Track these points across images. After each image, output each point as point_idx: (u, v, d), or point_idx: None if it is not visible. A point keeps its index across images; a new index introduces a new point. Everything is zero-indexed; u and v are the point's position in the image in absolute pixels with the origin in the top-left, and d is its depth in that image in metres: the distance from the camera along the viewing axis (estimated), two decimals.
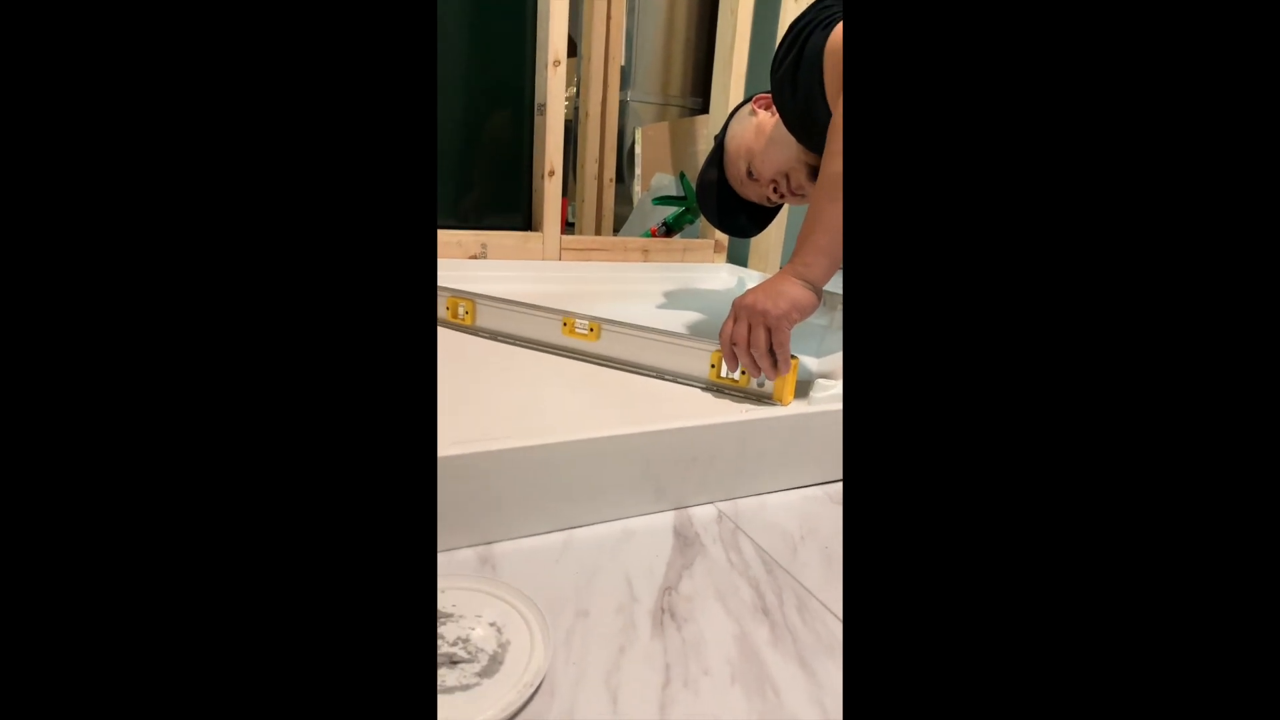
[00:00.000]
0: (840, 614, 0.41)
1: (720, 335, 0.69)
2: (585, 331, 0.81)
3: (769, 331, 0.65)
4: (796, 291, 0.66)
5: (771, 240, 1.51)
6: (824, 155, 0.67)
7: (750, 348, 0.66)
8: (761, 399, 0.70)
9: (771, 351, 0.66)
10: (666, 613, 0.39)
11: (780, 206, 1.05)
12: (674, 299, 1.30)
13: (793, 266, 0.67)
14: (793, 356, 0.68)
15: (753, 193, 0.98)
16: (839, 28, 0.70)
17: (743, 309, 0.67)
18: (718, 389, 0.73)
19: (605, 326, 0.80)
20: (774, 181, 0.94)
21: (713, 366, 0.73)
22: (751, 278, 1.39)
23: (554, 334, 0.84)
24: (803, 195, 0.97)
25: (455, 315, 0.95)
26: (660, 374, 0.77)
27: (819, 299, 0.67)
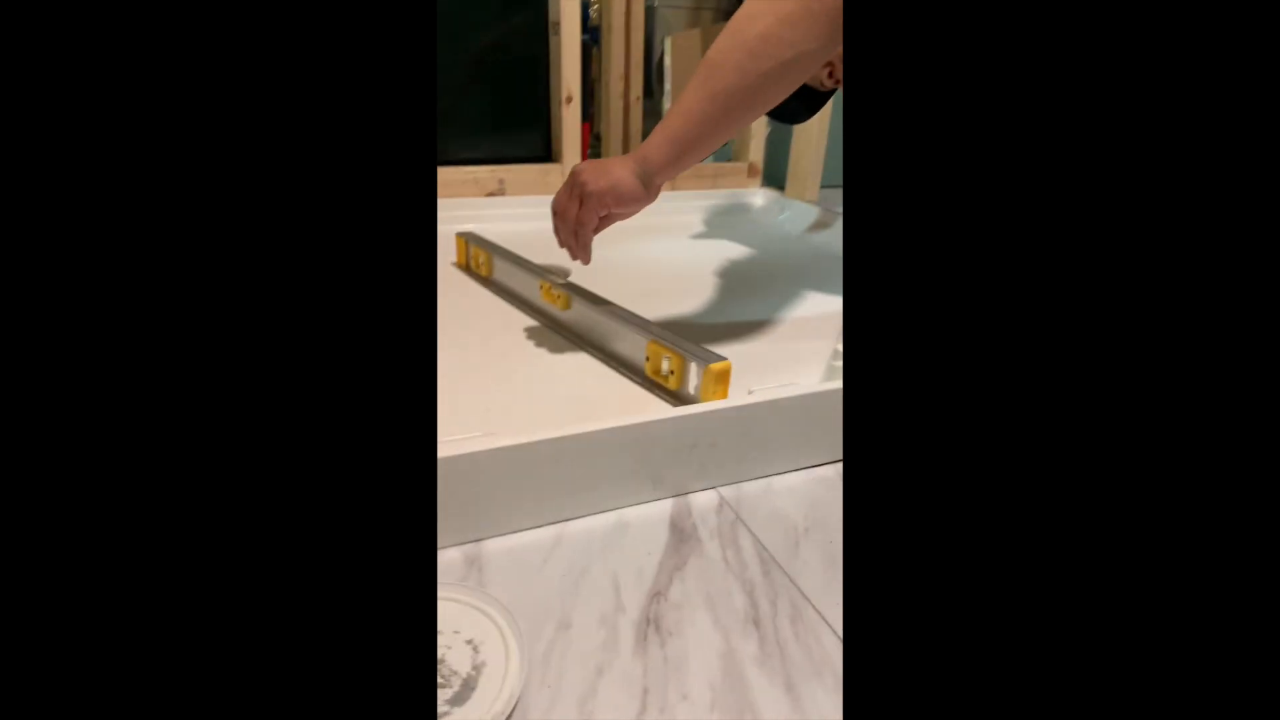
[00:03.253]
0: (835, 625, 0.39)
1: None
2: (556, 297, 0.73)
3: (580, 205, 0.61)
4: (623, 175, 0.59)
5: (810, 163, 1.40)
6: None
7: (564, 216, 0.63)
8: (685, 401, 0.58)
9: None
10: (652, 624, 0.38)
11: (833, 92, 0.92)
12: (713, 230, 1.22)
13: (637, 151, 0.60)
14: (723, 359, 0.55)
15: None
16: None
17: (572, 175, 0.63)
18: (650, 385, 0.62)
19: (574, 297, 0.71)
20: (829, 64, 0.83)
21: (647, 360, 0.61)
22: (791, 204, 1.30)
23: (534, 294, 0.77)
24: None
25: (475, 265, 0.91)
26: (606, 358, 0.68)
27: (648, 192, 0.60)
